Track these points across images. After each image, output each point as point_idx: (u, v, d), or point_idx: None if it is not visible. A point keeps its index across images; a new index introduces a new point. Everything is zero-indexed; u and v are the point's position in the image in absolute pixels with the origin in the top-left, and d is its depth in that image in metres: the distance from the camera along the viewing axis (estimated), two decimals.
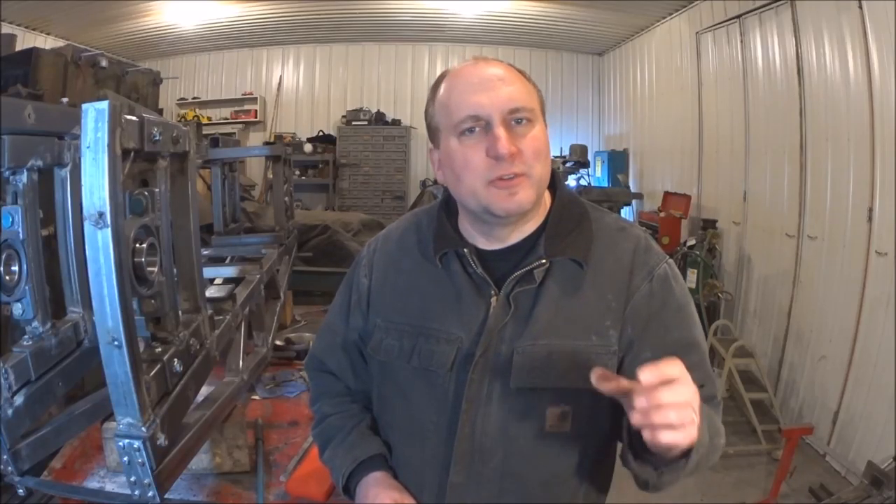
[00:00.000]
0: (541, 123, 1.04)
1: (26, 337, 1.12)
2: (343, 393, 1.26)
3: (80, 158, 0.95)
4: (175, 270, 1.29)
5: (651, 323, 1.05)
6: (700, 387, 1.05)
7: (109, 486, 1.58)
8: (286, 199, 3.25)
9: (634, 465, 0.95)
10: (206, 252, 2.54)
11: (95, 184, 0.93)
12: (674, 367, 0.81)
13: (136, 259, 1.06)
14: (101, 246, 0.94)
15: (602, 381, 0.84)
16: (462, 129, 1.01)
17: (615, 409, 1.09)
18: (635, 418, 0.82)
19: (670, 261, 1.11)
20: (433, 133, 1.09)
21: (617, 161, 7.91)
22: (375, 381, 1.18)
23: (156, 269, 1.13)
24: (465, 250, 1.07)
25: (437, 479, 1.07)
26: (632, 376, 1.04)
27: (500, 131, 0.98)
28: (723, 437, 1.06)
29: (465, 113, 1.01)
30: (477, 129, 1.00)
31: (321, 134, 8.87)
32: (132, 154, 1.06)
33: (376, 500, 1.07)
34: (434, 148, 1.10)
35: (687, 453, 0.88)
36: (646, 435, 0.82)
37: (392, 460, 1.15)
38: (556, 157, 7.91)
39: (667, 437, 0.80)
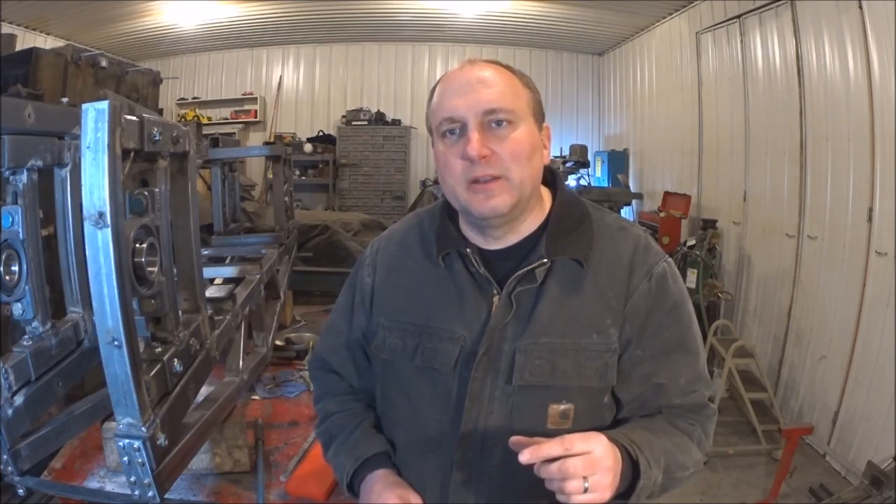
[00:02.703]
0: (527, 125, 1.03)
1: (26, 337, 1.12)
2: (347, 392, 1.26)
3: (80, 158, 0.95)
4: (175, 270, 1.29)
5: (647, 322, 1.06)
6: (693, 392, 1.07)
7: (109, 486, 1.58)
8: (286, 199, 3.24)
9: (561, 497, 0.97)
10: (206, 252, 2.53)
11: (95, 184, 0.93)
12: (553, 447, 0.88)
13: (136, 259, 1.06)
14: (101, 246, 0.93)
15: (516, 445, 0.91)
16: (442, 132, 1.03)
17: (616, 408, 1.09)
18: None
19: (669, 260, 1.12)
20: (430, 133, 1.10)
21: (617, 161, 7.91)
22: (379, 380, 1.19)
23: (156, 269, 1.13)
24: (468, 250, 1.08)
25: (440, 477, 1.08)
26: (629, 375, 1.06)
27: (473, 134, 0.99)
28: (693, 466, 1.08)
29: (443, 115, 1.03)
30: (456, 131, 1.02)
31: (321, 134, 8.87)
32: (132, 154, 1.06)
33: (380, 498, 1.07)
34: (433, 146, 1.11)
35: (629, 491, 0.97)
36: None
37: (396, 458, 1.15)
38: (555, 157, 7.91)
39: (560, 498, 0.89)
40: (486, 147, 0.99)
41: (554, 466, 0.87)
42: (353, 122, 8.76)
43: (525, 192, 1.04)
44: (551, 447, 0.88)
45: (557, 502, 0.91)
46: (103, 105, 0.94)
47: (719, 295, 4.80)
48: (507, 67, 1.07)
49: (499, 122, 1.00)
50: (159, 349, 1.18)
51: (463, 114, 1.00)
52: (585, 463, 0.88)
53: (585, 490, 0.87)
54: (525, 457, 0.87)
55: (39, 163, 1.11)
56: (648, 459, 0.97)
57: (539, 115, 1.07)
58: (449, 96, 1.03)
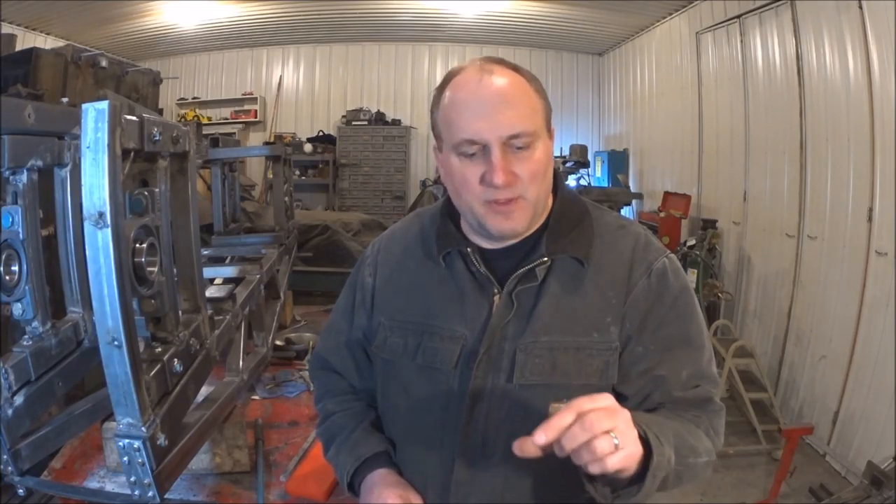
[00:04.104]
0: (543, 141, 1.02)
1: (26, 337, 1.12)
2: (347, 391, 1.26)
3: (80, 158, 0.95)
4: (175, 270, 1.29)
5: (647, 318, 1.06)
6: (695, 387, 1.07)
7: (109, 486, 1.58)
8: (286, 199, 3.24)
9: (590, 487, 0.93)
10: (206, 252, 2.53)
11: (95, 184, 0.93)
12: (563, 416, 0.82)
13: (136, 259, 1.06)
14: (101, 246, 0.93)
15: (521, 447, 0.85)
16: (461, 151, 1.01)
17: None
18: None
19: (671, 256, 1.11)
20: (436, 137, 1.08)
21: (617, 161, 7.92)
22: (379, 380, 1.19)
23: (156, 269, 1.13)
24: (469, 249, 1.08)
25: (441, 477, 1.08)
26: (630, 371, 1.05)
27: (497, 159, 0.97)
28: (705, 454, 1.04)
29: (463, 136, 1.00)
30: (475, 152, 1.00)
31: (321, 134, 8.87)
32: (132, 154, 1.05)
33: (381, 497, 1.07)
34: (438, 150, 1.10)
35: (642, 475, 0.89)
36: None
37: (396, 458, 1.15)
38: (556, 157, 7.90)
39: (594, 469, 0.82)
40: (510, 172, 0.98)
41: (575, 428, 0.80)
42: (353, 122, 8.76)
43: (539, 206, 1.05)
44: (562, 416, 0.82)
45: (559, 501, 0.90)
46: (103, 105, 0.94)
47: (719, 295, 4.81)
48: (517, 70, 1.04)
49: (520, 147, 0.99)
50: (159, 349, 1.18)
51: (486, 137, 0.98)
52: (606, 414, 0.82)
53: (616, 447, 0.81)
54: (541, 437, 0.81)
55: (39, 163, 1.11)
56: (658, 436, 0.91)
57: (549, 123, 1.06)
58: (469, 116, 0.99)
